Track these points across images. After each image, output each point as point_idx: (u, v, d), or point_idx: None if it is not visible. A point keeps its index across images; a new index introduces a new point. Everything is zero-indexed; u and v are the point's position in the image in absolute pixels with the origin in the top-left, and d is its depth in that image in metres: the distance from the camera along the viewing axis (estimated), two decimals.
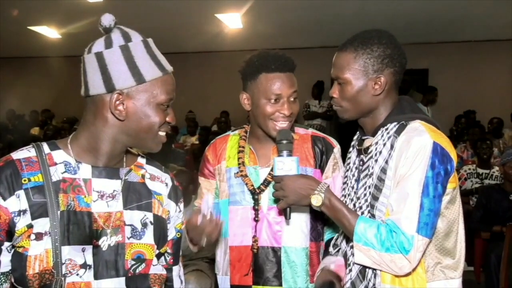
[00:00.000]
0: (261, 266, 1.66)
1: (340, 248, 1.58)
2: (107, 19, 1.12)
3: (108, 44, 1.10)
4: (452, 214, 1.37)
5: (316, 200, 1.38)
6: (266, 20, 7.09)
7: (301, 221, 1.67)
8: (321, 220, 1.71)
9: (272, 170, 1.65)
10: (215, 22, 7.15)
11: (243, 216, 1.68)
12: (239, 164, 1.72)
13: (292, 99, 1.63)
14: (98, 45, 1.11)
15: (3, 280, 1.06)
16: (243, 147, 1.74)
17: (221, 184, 1.76)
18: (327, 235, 1.72)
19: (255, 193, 1.68)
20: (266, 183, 1.68)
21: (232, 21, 7.16)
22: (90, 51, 1.11)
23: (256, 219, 1.67)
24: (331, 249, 1.63)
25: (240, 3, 6.24)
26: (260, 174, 1.69)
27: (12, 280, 1.07)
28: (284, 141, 1.51)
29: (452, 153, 1.34)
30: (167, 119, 1.16)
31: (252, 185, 1.68)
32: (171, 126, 1.24)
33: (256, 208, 1.67)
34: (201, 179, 1.82)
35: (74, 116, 8.40)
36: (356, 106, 1.44)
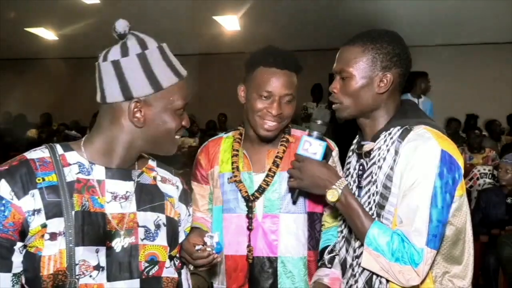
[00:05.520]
0: (257, 277, 1.58)
1: (336, 255, 1.54)
2: (121, 25, 1.11)
3: (125, 52, 1.10)
4: (460, 221, 1.32)
5: (332, 195, 1.31)
6: (264, 22, 7.08)
7: (298, 229, 1.59)
8: (319, 227, 1.64)
9: (267, 176, 1.60)
10: (213, 24, 7.14)
11: (238, 225, 1.60)
12: (233, 169, 1.63)
13: (285, 100, 1.54)
14: (114, 53, 1.11)
15: (15, 281, 1.05)
16: (238, 150, 1.66)
17: (214, 190, 1.68)
18: (322, 242, 1.64)
19: (249, 201, 1.59)
20: (261, 190, 1.59)
21: (229, 23, 7.15)
22: (106, 59, 1.10)
23: (249, 228, 1.59)
24: (326, 255, 1.57)
25: (237, 5, 6.23)
26: (255, 180, 1.61)
27: (23, 281, 1.06)
28: (319, 122, 1.40)
29: (460, 160, 1.29)
30: (183, 123, 1.17)
31: (246, 192, 1.60)
32: None
33: (250, 216, 1.59)
34: (194, 184, 1.73)
35: (66, 123, 8.38)
36: (356, 103, 1.37)
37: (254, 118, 1.55)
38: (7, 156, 5.41)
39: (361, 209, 1.31)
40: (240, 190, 1.61)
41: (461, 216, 1.32)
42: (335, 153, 1.66)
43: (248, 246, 1.59)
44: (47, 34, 8.02)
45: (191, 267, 1.36)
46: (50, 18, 7.15)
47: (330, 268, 1.53)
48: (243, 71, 1.62)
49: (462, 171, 1.29)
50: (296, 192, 1.45)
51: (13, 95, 9.27)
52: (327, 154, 1.63)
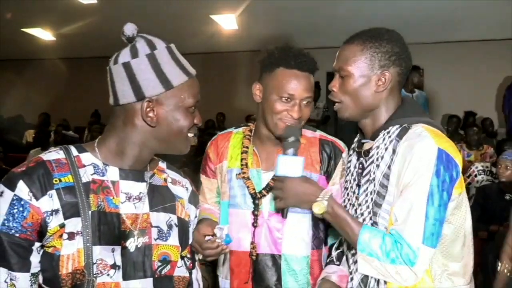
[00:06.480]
0: (261, 273, 1.59)
1: (342, 251, 1.54)
2: (130, 29, 1.13)
3: (134, 54, 1.12)
4: (459, 220, 1.31)
5: (318, 208, 1.32)
6: (261, 21, 7.09)
7: (302, 229, 1.60)
8: (323, 226, 1.64)
9: (275, 175, 1.58)
10: (210, 23, 7.14)
11: (243, 220, 1.61)
12: (242, 165, 1.64)
13: (305, 103, 1.54)
14: (124, 55, 1.13)
15: (33, 281, 1.06)
16: (247, 147, 1.66)
17: (222, 185, 1.68)
18: (330, 239, 1.64)
19: (256, 198, 1.60)
20: (268, 188, 1.60)
21: (227, 22, 7.15)
22: (117, 62, 1.13)
23: (254, 225, 1.60)
24: (334, 252, 1.57)
25: (235, 4, 6.23)
26: (263, 178, 1.62)
27: (40, 281, 1.08)
28: (291, 139, 1.42)
29: (458, 158, 1.28)
30: (195, 121, 1.20)
31: (254, 189, 1.61)
32: None
33: (255, 213, 1.60)
34: (203, 177, 1.75)
35: (62, 123, 8.37)
36: (356, 102, 1.37)
37: (274, 120, 1.55)
38: (6, 157, 5.41)
39: (349, 216, 1.32)
40: (247, 187, 1.62)
41: (460, 214, 1.32)
42: (345, 154, 1.65)
43: (252, 243, 1.60)
44: (44, 34, 8.01)
45: (200, 256, 1.37)
46: (47, 19, 7.15)
47: (338, 265, 1.53)
48: (259, 69, 1.62)
49: (460, 169, 1.29)
50: (285, 210, 1.46)
51: (10, 96, 9.26)
52: (337, 155, 1.63)
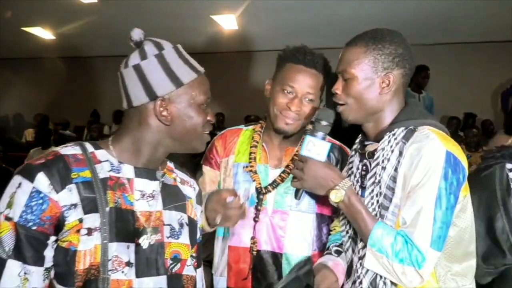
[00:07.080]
0: (262, 271, 1.59)
1: (342, 252, 1.52)
2: (137, 34, 1.16)
3: (143, 56, 1.15)
4: (464, 222, 1.31)
5: (335, 196, 1.31)
6: (261, 22, 7.08)
7: (305, 228, 1.60)
8: (326, 230, 1.64)
9: (283, 172, 1.61)
10: (210, 24, 7.13)
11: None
12: (250, 159, 1.65)
13: (307, 99, 1.56)
14: (134, 58, 1.16)
15: (46, 276, 1.06)
16: (257, 141, 1.68)
17: (226, 179, 1.69)
18: (329, 243, 1.62)
19: (261, 193, 1.61)
20: (274, 184, 1.60)
21: (227, 23, 7.15)
22: (127, 65, 1.16)
23: (255, 219, 1.60)
24: (332, 248, 1.54)
25: (235, 5, 6.23)
26: (270, 174, 1.63)
27: (52, 276, 1.07)
28: (324, 122, 1.41)
29: (464, 161, 1.28)
30: (208, 118, 1.22)
31: (260, 183, 1.61)
32: None
33: (258, 208, 1.60)
34: (206, 168, 1.74)
35: (67, 119, 8.35)
36: (360, 105, 1.36)
37: (274, 111, 1.58)
38: (6, 156, 5.40)
39: (364, 210, 1.30)
40: (254, 181, 1.62)
41: (465, 216, 1.31)
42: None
43: (253, 238, 1.60)
44: (44, 33, 8.00)
45: (217, 219, 1.36)
46: (47, 18, 7.14)
47: (336, 257, 1.52)
48: (274, 69, 1.67)
49: (467, 172, 1.28)
50: (300, 191, 1.45)
51: (10, 94, 9.25)
52: (344, 160, 1.63)
